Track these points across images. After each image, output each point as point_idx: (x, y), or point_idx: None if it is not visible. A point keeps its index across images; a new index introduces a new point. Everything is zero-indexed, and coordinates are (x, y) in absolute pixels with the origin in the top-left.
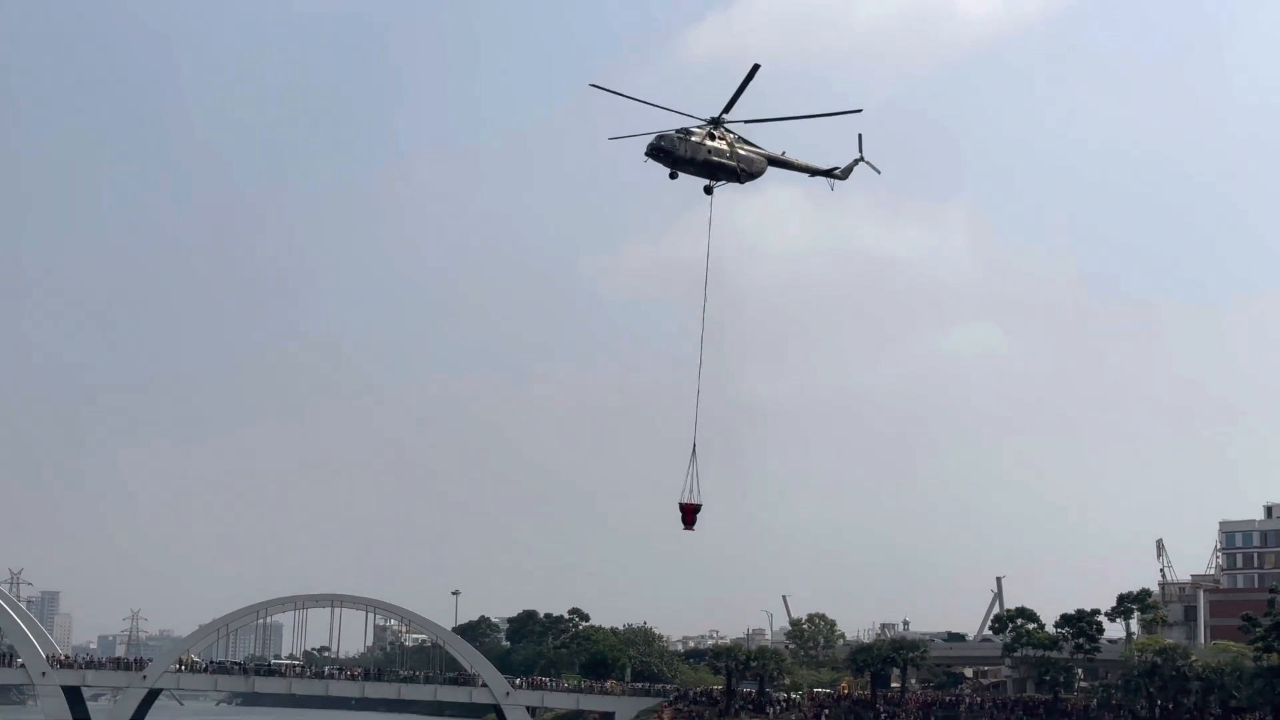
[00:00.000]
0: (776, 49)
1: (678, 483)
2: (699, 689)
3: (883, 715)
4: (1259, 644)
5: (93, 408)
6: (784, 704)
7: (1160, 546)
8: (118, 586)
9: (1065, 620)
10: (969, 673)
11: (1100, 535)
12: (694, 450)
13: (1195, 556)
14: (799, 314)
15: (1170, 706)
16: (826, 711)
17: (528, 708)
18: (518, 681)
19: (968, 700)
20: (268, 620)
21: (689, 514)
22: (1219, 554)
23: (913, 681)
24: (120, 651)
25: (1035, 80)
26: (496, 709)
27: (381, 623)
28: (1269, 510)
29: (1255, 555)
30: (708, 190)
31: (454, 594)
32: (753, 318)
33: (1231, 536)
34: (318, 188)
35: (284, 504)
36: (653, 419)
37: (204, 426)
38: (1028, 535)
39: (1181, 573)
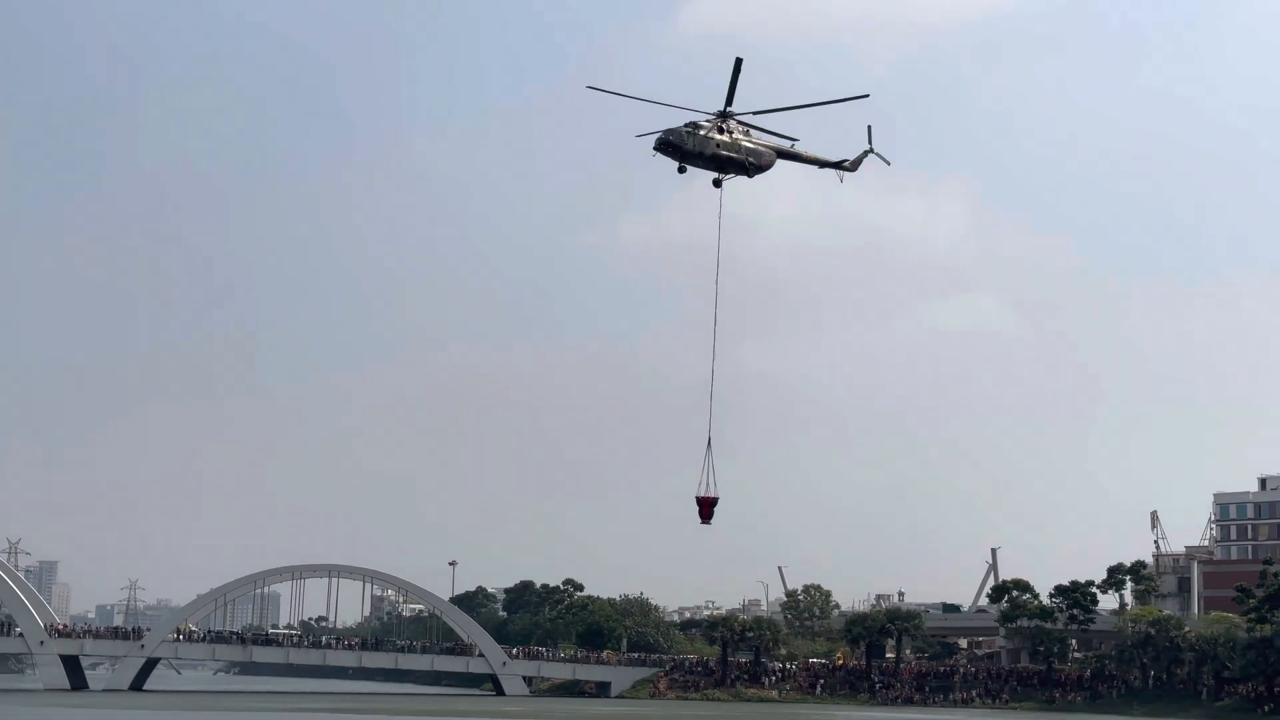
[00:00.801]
0: (775, 22)
1: (672, 454)
2: (695, 659)
3: (877, 685)
4: (1252, 615)
5: (92, 377)
6: (779, 674)
7: (1155, 518)
8: (116, 556)
9: (1060, 591)
10: (964, 643)
11: (1095, 507)
12: (709, 444)
13: (1190, 528)
14: (795, 287)
15: (1164, 677)
16: (822, 681)
17: (524, 677)
18: (514, 651)
19: (962, 670)
20: (265, 590)
21: (706, 507)
22: (1213, 526)
23: (907, 652)
24: (118, 621)
25: (1035, 54)
26: (493, 679)
27: (379, 593)
28: (1263, 482)
29: (1249, 527)
30: (716, 183)
31: (451, 564)
32: (749, 291)
33: (1225, 508)
34: (317, 160)
35: (282, 474)
36: (650, 392)
37: (203, 396)
38: (1023, 507)
39: (1176, 544)
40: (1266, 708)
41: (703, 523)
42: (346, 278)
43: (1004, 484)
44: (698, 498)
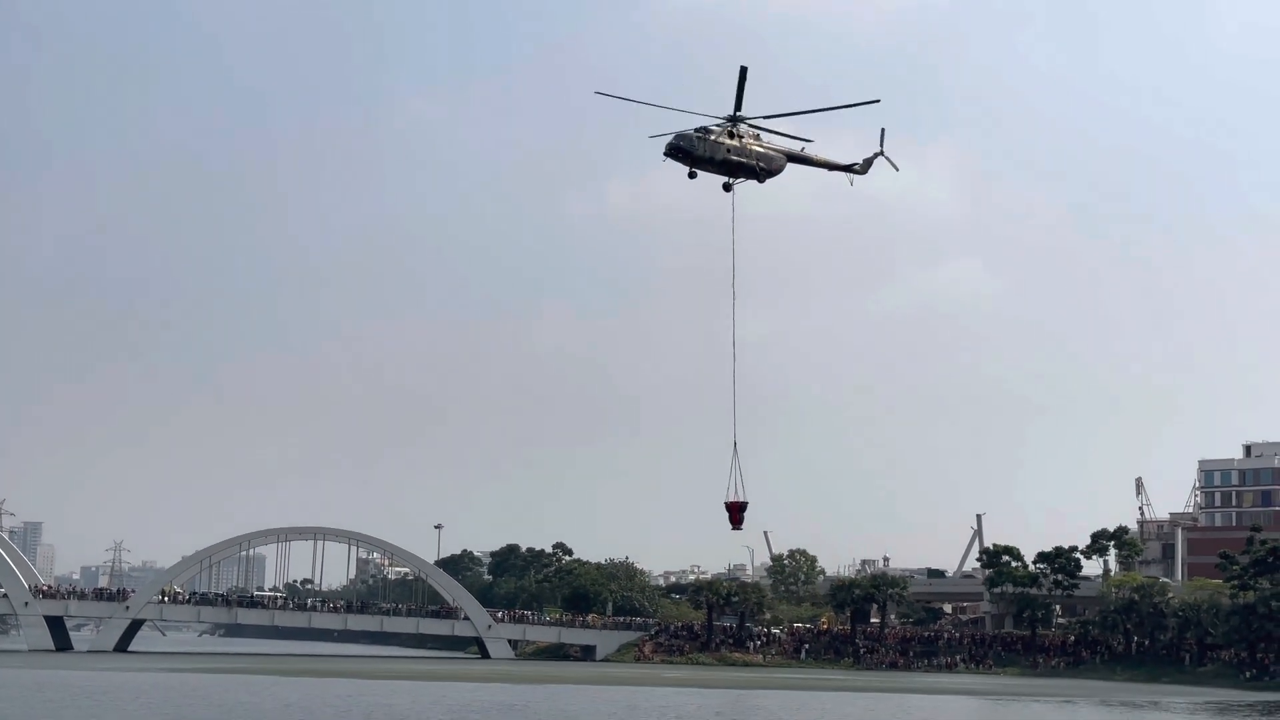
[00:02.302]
0: None
1: (661, 422)
2: (680, 623)
3: (862, 650)
4: (1236, 582)
5: (76, 338)
6: (764, 638)
7: (1140, 485)
8: (100, 518)
9: (1044, 557)
10: (948, 609)
11: (1081, 474)
12: (735, 447)
13: (1174, 495)
14: (782, 253)
15: (1147, 643)
16: (806, 646)
17: (509, 640)
18: (499, 615)
19: (946, 635)
20: (250, 553)
21: (735, 513)
22: (1197, 492)
23: (892, 617)
24: (103, 582)
25: (1023, 19)
26: (479, 642)
27: (364, 556)
28: (1248, 449)
29: (1234, 494)
30: (726, 187)
31: (436, 528)
32: (738, 256)
33: (1210, 475)
34: (304, 120)
35: (267, 437)
36: (638, 357)
37: (189, 358)
38: (1009, 473)
39: (1160, 511)
40: (1248, 674)
41: (733, 528)
42: (333, 239)
43: (990, 449)
44: (726, 503)
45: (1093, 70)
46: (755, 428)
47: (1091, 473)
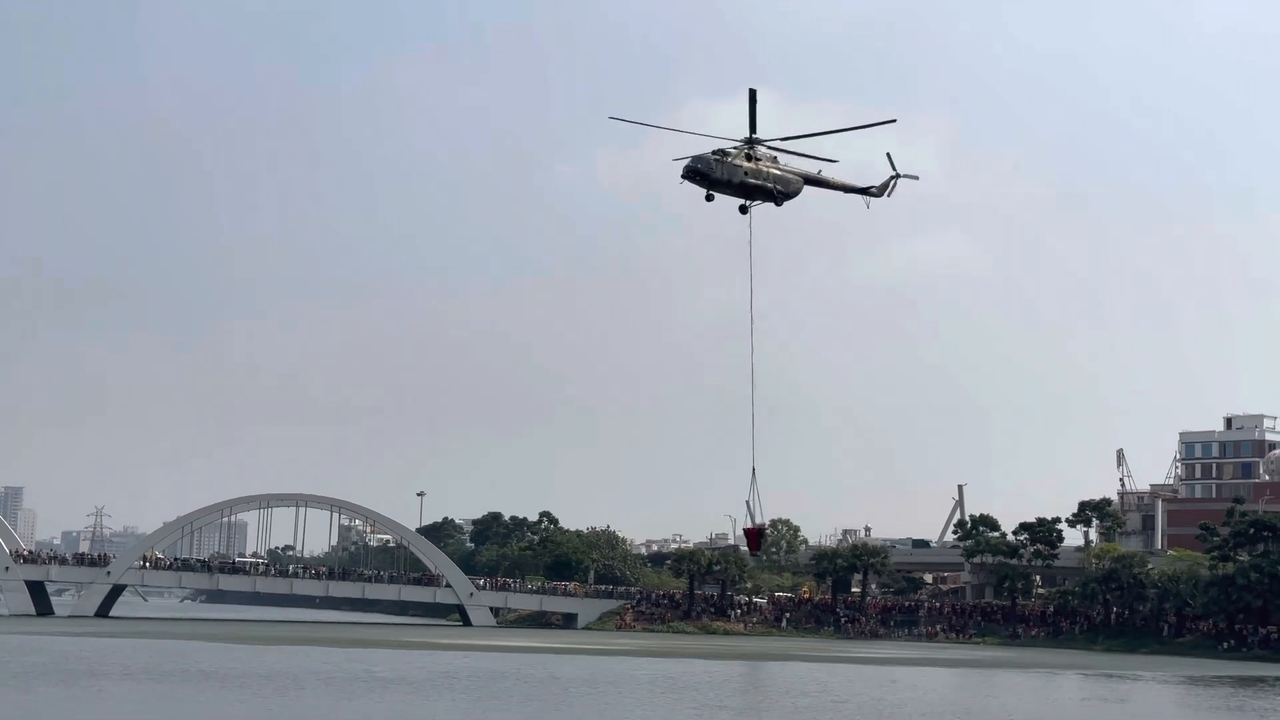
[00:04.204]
0: None
1: (646, 390)
2: (661, 592)
3: (843, 619)
4: (1215, 553)
5: (59, 302)
6: (745, 607)
7: (1120, 456)
8: (82, 483)
9: (1024, 528)
10: (929, 578)
11: (1062, 444)
12: (754, 473)
13: (1155, 467)
14: (766, 222)
15: (1126, 613)
16: (787, 615)
17: (491, 608)
18: (481, 582)
19: (927, 605)
20: (232, 519)
21: (753, 539)
22: (1178, 464)
23: (873, 587)
24: (84, 548)
25: None
26: (460, 609)
27: (346, 523)
28: (1228, 422)
29: (1214, 466)
30: (743, 210)
31: (419, 495)
32: (721, 229)
33: (1191, 447)
34: (298, 85)
35: (249, 403)
36: (626, 327)
37: (171, 324)
38: (990, 444)
39: (1141, 483)
40: (1226, 644)
41: (752, 554)
42: (321, 206)
43: (972, 420)
44: (745, 530)
45: (1084, 43)
46: (738, 401)
47: (1074, 445)
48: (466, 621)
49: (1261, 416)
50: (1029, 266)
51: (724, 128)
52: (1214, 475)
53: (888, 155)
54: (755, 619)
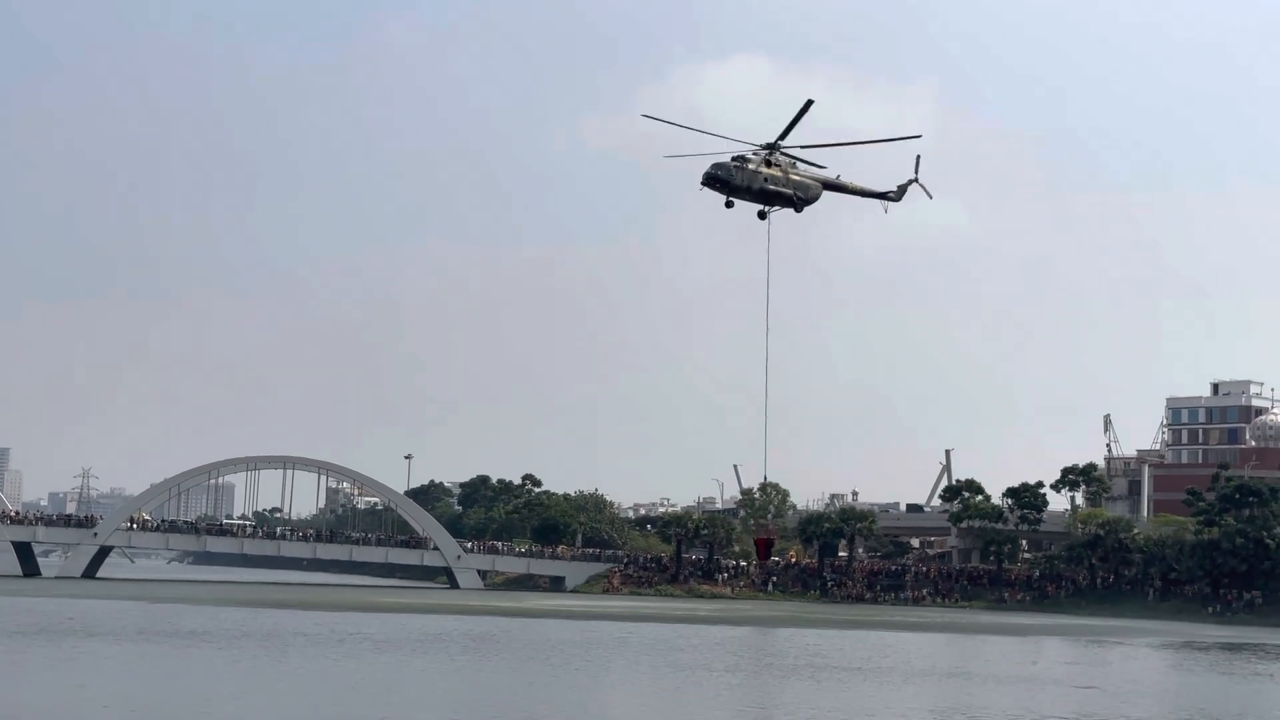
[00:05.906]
0: None
1: (635, 356)
2: (648, 555)
3: (829, 583)
4: (1201, 518)
5: (47, 262)
6: (733, 571)
7: (1107, 421)
8: (68, 444)
9: (1010, 493)
10: (916, 543)
11: (1049, 410)
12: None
13: (1142, 432)
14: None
15: (1111, 578)
16: (774, 579)
17: (479, 571)
18: (469, 545)
19: (913, 569)
20: (219, 481)
21: (762, 548)
22: (1165, 430)
23: (860, 551)
24: (71, 509)
25: None
26: (448, 572)
27: (333, 485)
28: (1215, 387)
29: (1200, 431)
30: (761, 215)
31: (406, 458)
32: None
33: (1177, 413)
34: (287, 52)
35: (237, 365)
36: (611, 291)
37: (160, 285)
38: (978, 408)
39: (1128, 448)
40: (1211, 609)
41: (760, 561)
42: (310, 171)
43: (960, 385)
44: (755, 539)
45: (1080, 10)
46: (724, 361)
47: (1061, 410)
48: (454, 584)
49: (1248, 382)
50: (1016, 229)
51: (712, 90)
52: (1200, 441)
53: (917, 158)
54: (742, 583)
